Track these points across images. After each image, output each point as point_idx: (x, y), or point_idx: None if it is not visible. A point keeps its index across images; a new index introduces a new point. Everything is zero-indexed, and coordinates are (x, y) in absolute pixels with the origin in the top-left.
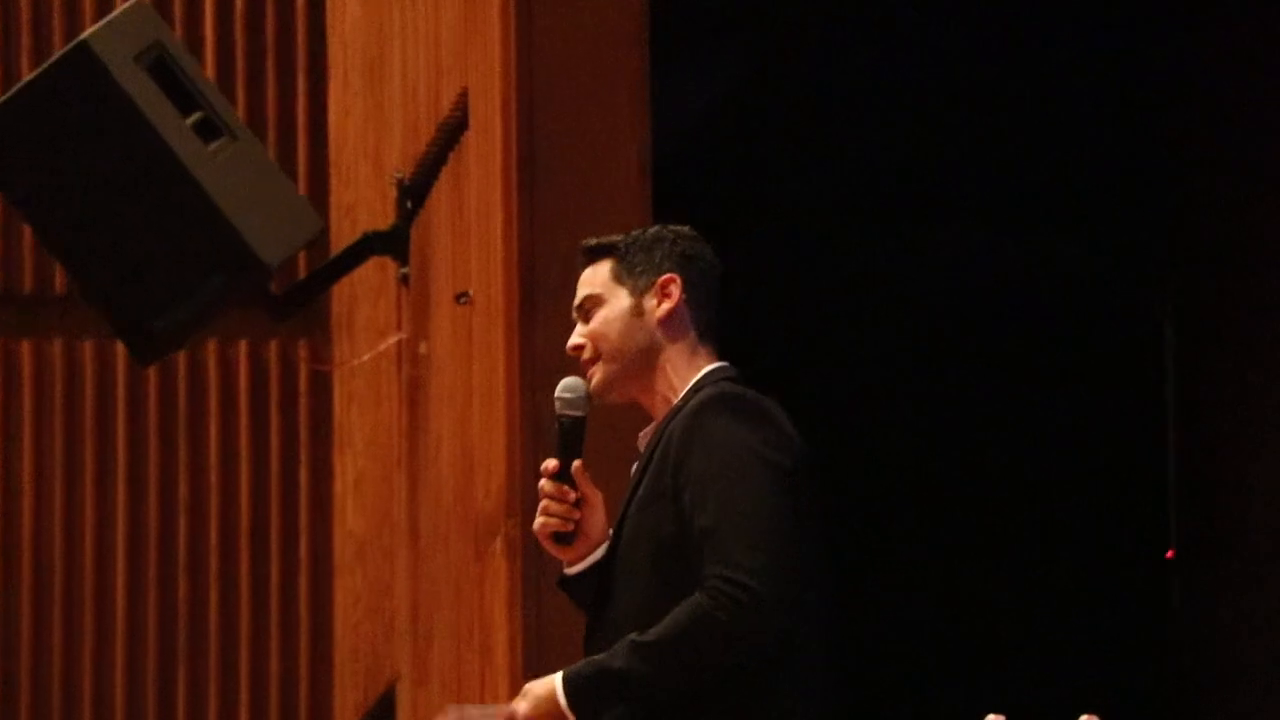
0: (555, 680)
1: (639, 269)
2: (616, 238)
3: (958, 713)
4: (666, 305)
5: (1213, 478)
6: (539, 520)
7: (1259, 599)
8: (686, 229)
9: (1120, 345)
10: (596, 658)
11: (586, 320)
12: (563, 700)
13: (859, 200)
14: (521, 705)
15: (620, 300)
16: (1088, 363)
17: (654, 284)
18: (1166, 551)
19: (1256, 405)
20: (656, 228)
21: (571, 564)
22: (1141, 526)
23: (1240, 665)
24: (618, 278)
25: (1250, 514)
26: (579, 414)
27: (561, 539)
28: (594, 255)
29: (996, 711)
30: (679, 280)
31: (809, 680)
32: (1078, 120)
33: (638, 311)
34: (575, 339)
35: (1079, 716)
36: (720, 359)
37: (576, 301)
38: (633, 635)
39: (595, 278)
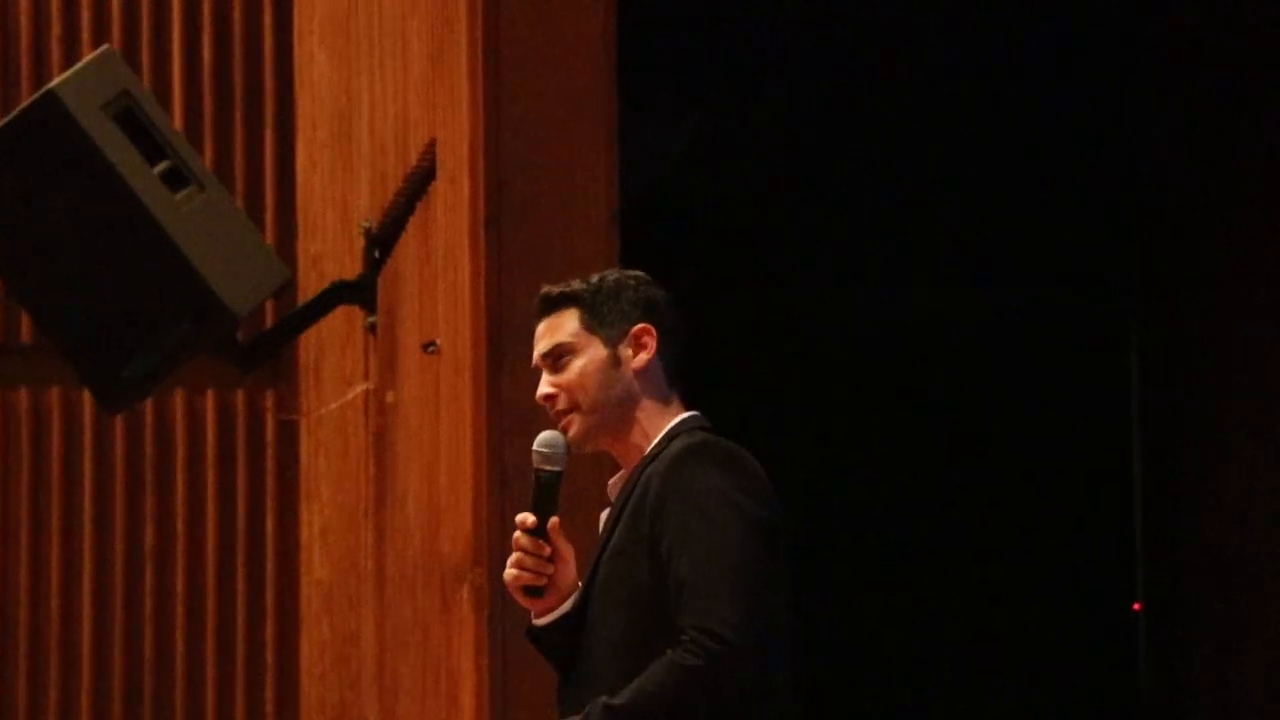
0: None
1: (609, 319)
2: (577, 285)
3: None
4: (644, 356)
5: (1179, 530)
6: (511, 572)
7: (1227, 654)
8: (641, 274)
9: (1086, 385)
10: None
11: (555, 370)
12: None
13: (825, 248)
14: None
15: (597, 350)
16: (1053, 409)
17: (628, 333)
18: (1134, 604)
19: (1224, 453)
20: (615, 274)
21: (540, 615)
22: (1109, 577)
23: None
24: (588, 327)
25: (1218, 564)
26: (557, 469)
27: (532, 592)
28: (556, 304)
29: None
30: (654, 330)
31: (777, 711)
32: (1040, 146)
33: (615, 362)
34: (546, 388)
35: None
36: (687, 404)
37: (543, 350)
38: (604, 698)
39: (563, 326)
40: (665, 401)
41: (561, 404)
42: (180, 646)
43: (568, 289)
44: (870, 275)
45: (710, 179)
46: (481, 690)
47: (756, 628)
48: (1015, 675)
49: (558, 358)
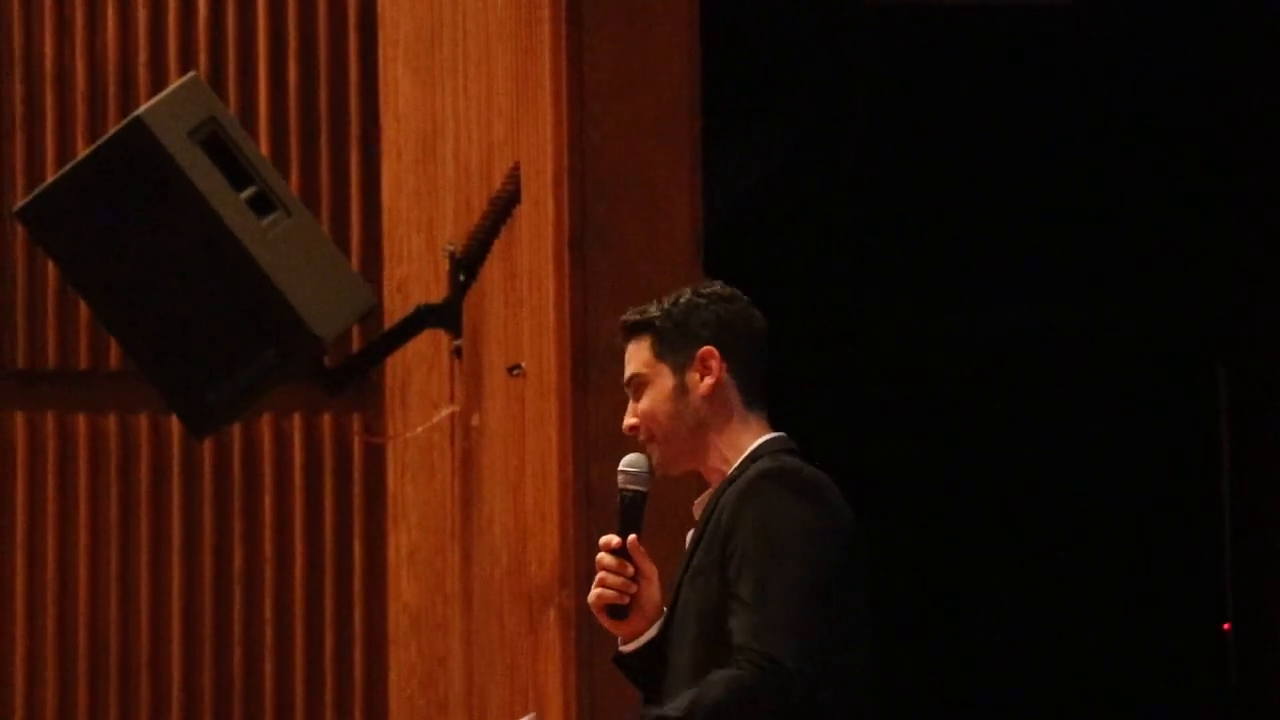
0: None
1: (678, 344)
2: (653, 311)
3: None
4: (709, 381)
5: (1268, 549)
6: (595, 592)
7: None
8: (722, 288)
9: (1174, 407)
10: None
11: (637, 398)
12: None
13: (909, 267)
14: None
15: (665, 380)
16: (1140, 427)
17: (694, 358)
18: (1223, 624)
19: None
20: (690, 294)
21: (626, 640)
22: (1198, 598)
23: None
24: (659, 355)
25: None
26: (641, 489)
27: (616, 613)
28: (633, 331)
29: None
30: (717, 353)
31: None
32: (1120, 171)
33: (682, 390)
34: (629, 419)
35: None
36: (770, 421)
37: (626, 379)
38: (656, 710)
39: (638, 356)
40: (743, 421)
41: (643, 434)
42: (269, 670)
43: (642, 316)
44: (959, 294)
45: (795, 200)
46: (569, 711)
47: (811, 654)
48: (1106, 698)
49: (636, 388)
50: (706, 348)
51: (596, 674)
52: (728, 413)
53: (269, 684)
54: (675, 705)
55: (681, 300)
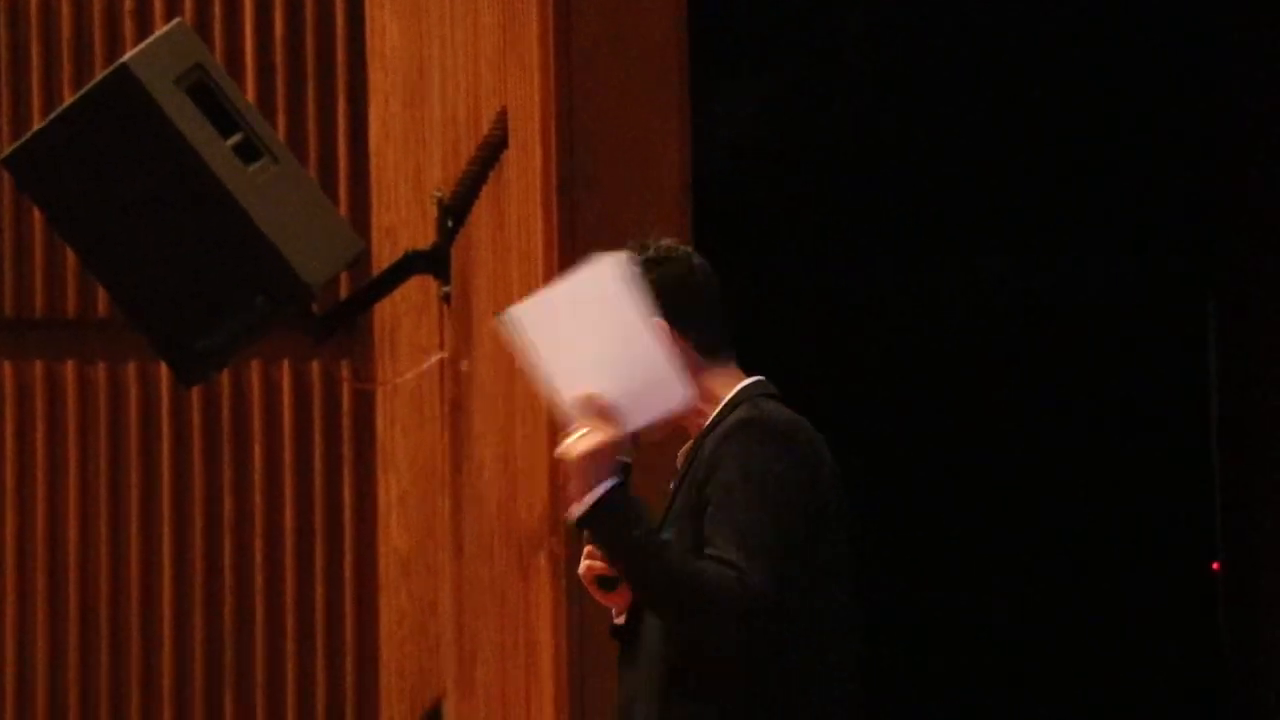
0: (611, 482)
1: None
2: None
3: None
4: None
5: (1258, 490)
6: (584, 565)
7: None
8: (655, 250)
9: (1163, 344)
10: (647, 520)
11: None
12: (601, 489)
13: (900, 215)
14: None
15: None
16: (1129, 364)
17: None
18: (1213, 564)
19: None
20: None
21: (620, 611)
22: (1188, 538)
23: None
24: None
25: None
26: (624, 459)
27: (606, 584)
28: None
29: None
30: (664, 323)
31: (828, 689)
32: (1115, 107)
33: None
34: None
35: None
36: (741, 366)
37: None
38: (685, 546)
39: None
40: (711, 374)
41: None
42: (260, 616)
43: None
44: (947, 243)
45: (785, 144)
46: (560, 655)
47: (773, 575)
48: (1094, 637)
49: None
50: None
51: (586, 618)
52: (691, 373)
53: (260, 631)
54: (694, 557)
55: None
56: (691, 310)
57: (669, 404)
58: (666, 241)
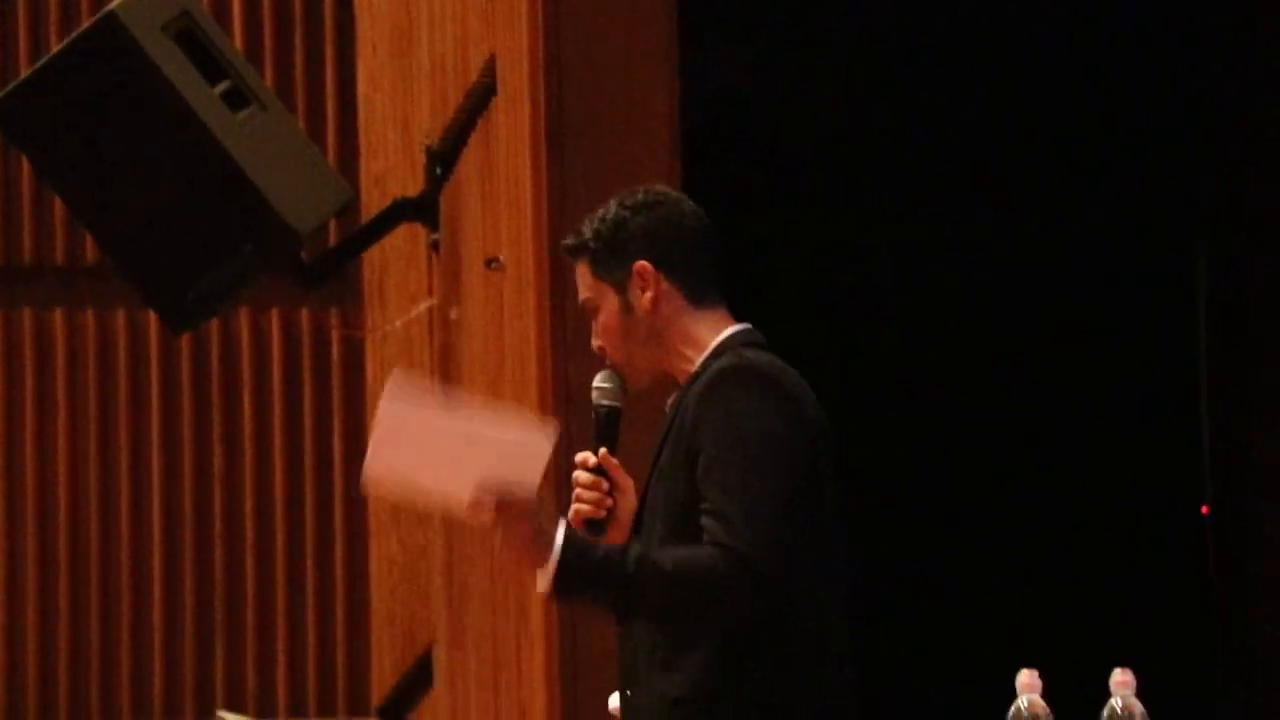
0: (558, 526)
1: (612, 264)
2: (586, 233)
3: (993, 668)
4: (649, 295)
5: (1247, 433)
6: (573, 508)
7: None
8: (645, 195)
9: (1152, 287)
10: (608, 550)
11: (595, 319)
12: (557, 545)
13: (889, 164)
14: (533, 503)
15: (610, 301)
16: (1118, 308)
17: (631, 275)
18: (1202, 508)
19: None
20: (615, 208)
21: None
22: (1177, 482)
23: (1275, 616)
24: (598, 277)
25: None
26: (615, 404)
27: (595, 527)
28: (573, 255)
29: (1031, 665)
30: (650, 266)
31: (822, 648)
32: (1104, 58)
33: (627, 308)
34: (595, 340)
35: (1114, 669)
36: (730, 311)
37: (580, 301)
38: (648, 551)
39: (583, 280)
40: (697, 320)
41: (608, 357)
42: (250, 565)
43: (576, 240)
44: (931, 198)
45: (775, 94)
46: (550, 602)
47: (778, 553)
48: (1084, 580)
49: (590, 311)
50: (640, 263)
51: None
52: (679, 318)
53: (250, 579)
54: (664, 557)
55: (608, 217)
56: (679, 254)
57: (544, 451)
58: (659, 186)
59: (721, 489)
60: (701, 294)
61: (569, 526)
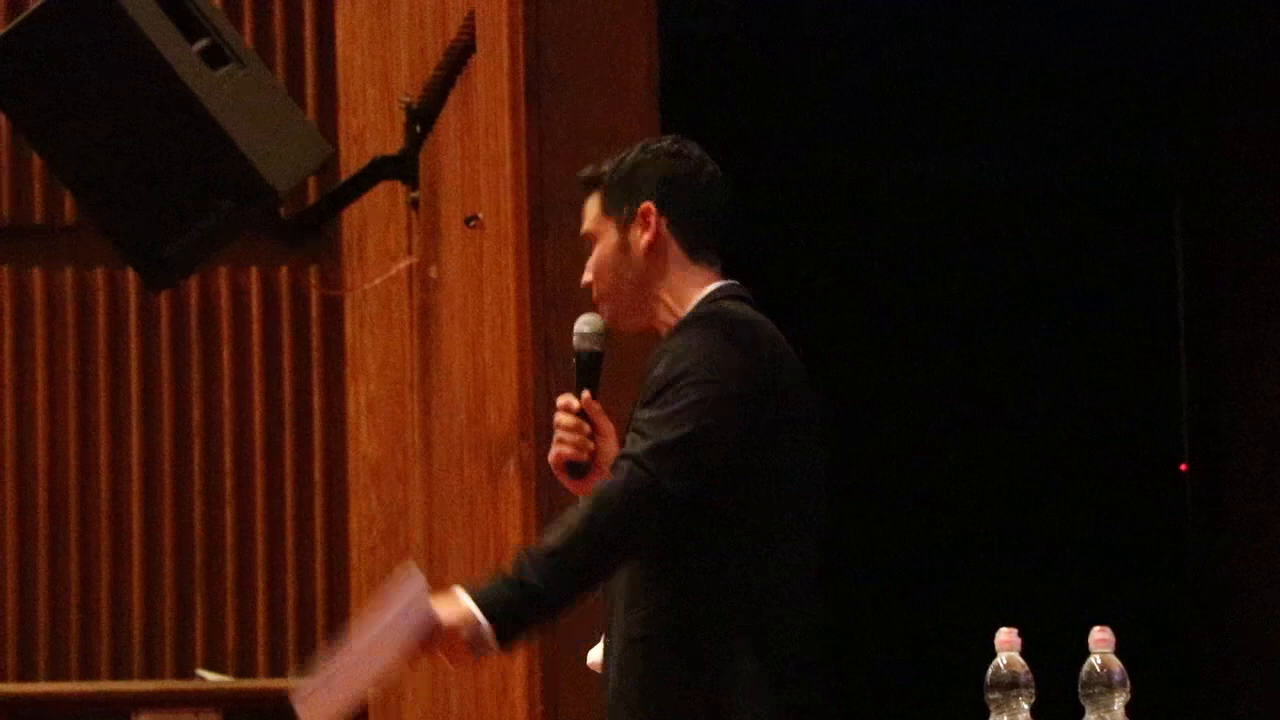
0: (470, 605)
1: (622, 201)
2: (605, 166)
3: (971, 625)
4: (648, 237)
5: (1224, 390)
6: (554, 450)
7: (1272, 513)
8: (671, 144)
9: (1128, 244)
10: (500, 581)
11: (591, 255)
12: (486, 623)
13: (866, 111)
14: (444, 615)
15: (610, 236)
16: (1095, 264)
17: (636, 214)
18: (1180, 465)
19: (1269, 312)
20: (639, 149)
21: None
22: (1155, 439)
23: (1251, 575)
24: (606, 211)
25: (1263, 424)
26: (597, 349)
27: (575, 470)
28: (587, 187)
29: (1009, 623)
30: (654, 208)
31: (780, 590)
32: (1081, 15)
33: (624, 246)
34: (586, 275)
35: (1092, 628)
36: (721, 270)
37: (582, 233)
38: (527, 546)
39: (590, 211)
40: (689, 274)
41: (595, 290)
42: (229, 523)
43: (593, 173)
44: (911, 139)
45: (752, 46)
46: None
47: (692, 478)
48: (1062, 538)
49: (590, 244)
50: (645, 204)
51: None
52: (671, 267)
53: (229, 537)
54: (543, 542)
55: (629, 156)
56: (686, 205)
57: (418, 583)
58: (690, 142)
59: (654, 410)
60: (698, 249)
61: (465, 593)
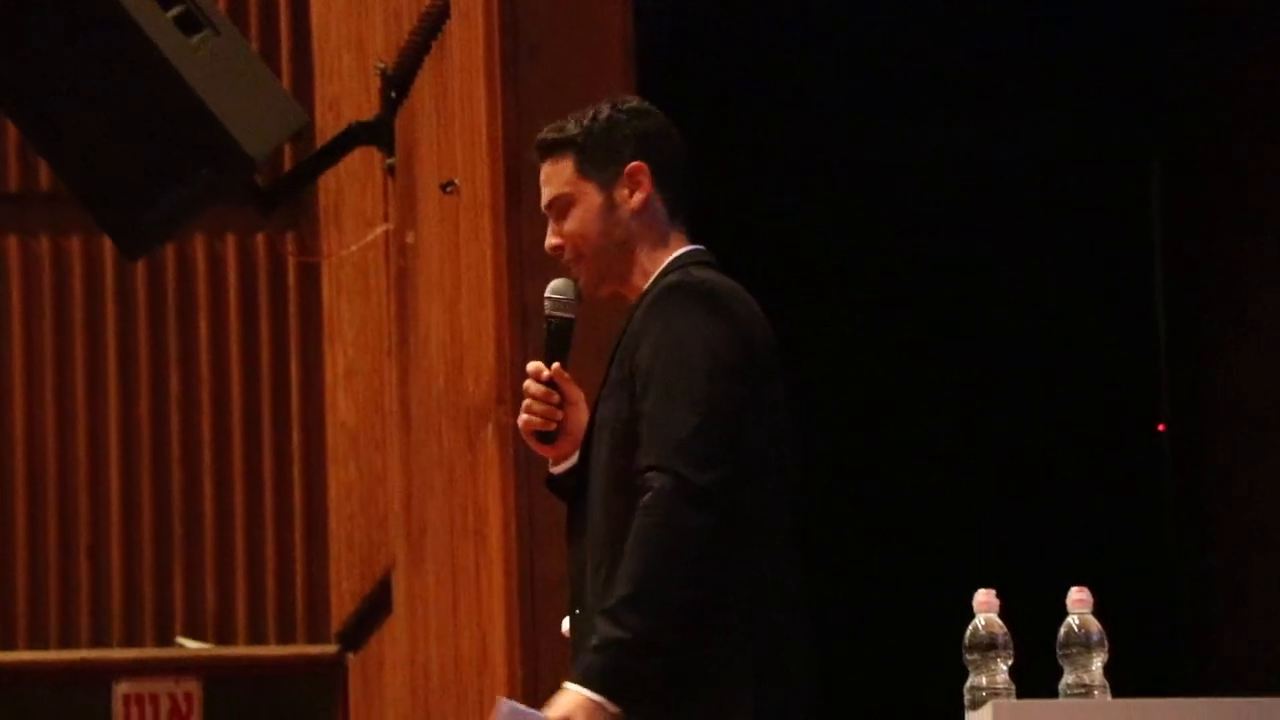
0: (574, 687)
1: (602, 161)
2: (572, 129)
3: (948, 586)
4: (639, 196)
5: (1203, 352)
6: (523, 418)
7: (1250, 473)
8: (636, 103)
9: (1106, 204)
10: (591, 653)
11: (560, 219)
12: (598, 697)
13: (843, 78)
14: (554, 714)
15: (591, 197)
16: (1072, 225)
17: (621, 174)
18: (1158, 425)
19: (1246, 266)
20: (607, 110)
21: (556, 463)
22: (1133, 400)
23: (1229, 535)
24: (583, 173)
25: (1241, 385)
26: (568, 316)
27: (544, 438)
28: (552, 150)
29: (987, 584)
30: (645, 167)
31: (760, 564)
32: None
33: (610, 207)
34: (552, 240)
35: (1070, 588)
36: (690, 236)
37: (546, 200)
38: (602, 611)
39: (559, 175)
40: (666, 238)
41: (568, 254)
42: (208, 489)
43: (560, 134)
44: (888, 107)
45: (729, 13)
46: (508, 527)
47: (718, 467)
48: (1041, 498)
49: (559, 209)
50: (636, 163)
51: (534, 488)
52: (654, 229)
53: (208, 505)
54: (614, 589)
55: (601, 116)
56: (668, 166)
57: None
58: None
59: (651, 402)
60: (676, 211)
61: (568, 683)
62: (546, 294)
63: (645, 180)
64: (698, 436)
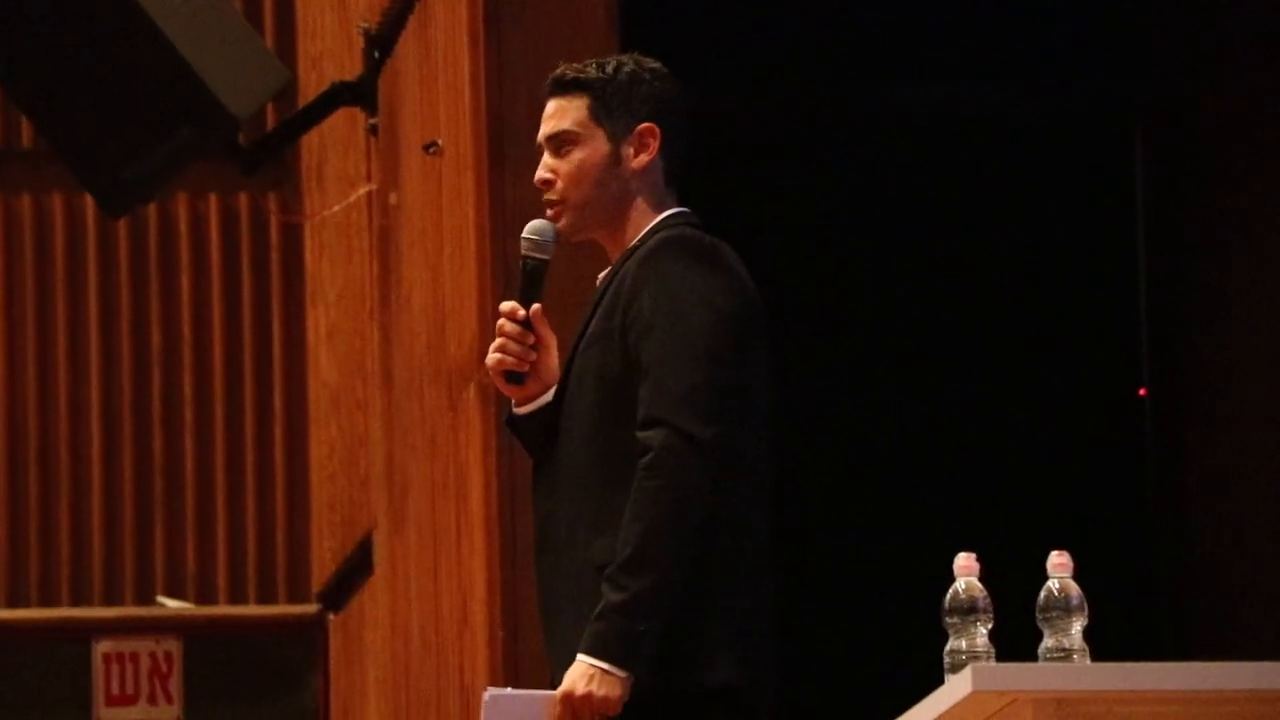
0: (581, 657)
1: (617, 113)
2: (593, 72)
3: (927, 549)
4: (644, 157)
5: (1184, 317)
6: (494, 357)
7: (1229, 438)
8: (658, 67)
9: (1090, 171)
10: (595, 620)
11: (556, 154)
12: (603, 664)
13: (826, 42)
14: (566, 687)
15: (599, 144)
16: (1056, 192)
17: (633, 131)
18: (1139, 389)
19: (1230, 233)
20: (631, 64)
21: (521, 404)
22: (1114, 365)
23: (1210, 499)
24: (596, 118)
25: (1223, 351)
26: (544, 257)
27: (513, 378)
28: (568, 88)
29: (967, 548)
30: (658, 131)
31: (745, 518)
32: None
33: (615, 160)
34: (545, 172)
35: (1050, 552)
36: (681, 202)
37: (548, 131)
38: (604, 574)
39: (571, 113)
40: (659, 201)
41: (556, 192)
42: (190, 449)
43: (583, 74)
44: (873, 70)
45: None
46: (490, 487)
47: (719, 419)
48: (1021, 462)
49: (561, 144)
50: (648, 124)
51: (517, 450)
52: (650, 190)
53: (189, 464)
54: (618, 554)
55: (625, 69)
56: (675, 133)
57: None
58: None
59: (652, 355)
60: (671, 180)
61: (585, 654)
62: (524, 234)
63: (654, 143)
64: (701, 390)
